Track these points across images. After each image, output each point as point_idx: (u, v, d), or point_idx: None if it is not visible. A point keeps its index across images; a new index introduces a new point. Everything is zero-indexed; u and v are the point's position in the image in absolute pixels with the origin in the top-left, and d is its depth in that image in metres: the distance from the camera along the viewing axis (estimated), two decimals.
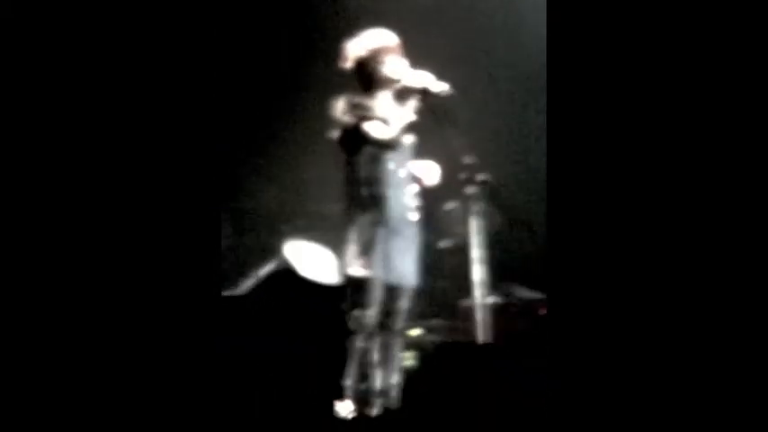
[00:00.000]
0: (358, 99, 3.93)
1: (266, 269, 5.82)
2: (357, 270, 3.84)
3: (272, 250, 5.73)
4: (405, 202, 3.98)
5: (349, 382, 3.85)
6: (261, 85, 6.14)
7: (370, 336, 3.85)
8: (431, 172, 4.10)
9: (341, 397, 3.86)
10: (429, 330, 5.63)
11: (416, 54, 3.98)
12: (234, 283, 5.61)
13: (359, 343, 3.84)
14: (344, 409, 3.85)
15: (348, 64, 3.98)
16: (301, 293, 5.58)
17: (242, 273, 5.69)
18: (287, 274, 5.69)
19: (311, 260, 5.64)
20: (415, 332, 5.42)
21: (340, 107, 3.92)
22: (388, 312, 3.91)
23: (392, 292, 3.91)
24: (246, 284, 5.64)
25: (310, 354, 4.69)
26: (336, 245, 4.32)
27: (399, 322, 3.98)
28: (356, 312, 3.83)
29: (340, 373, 3.87)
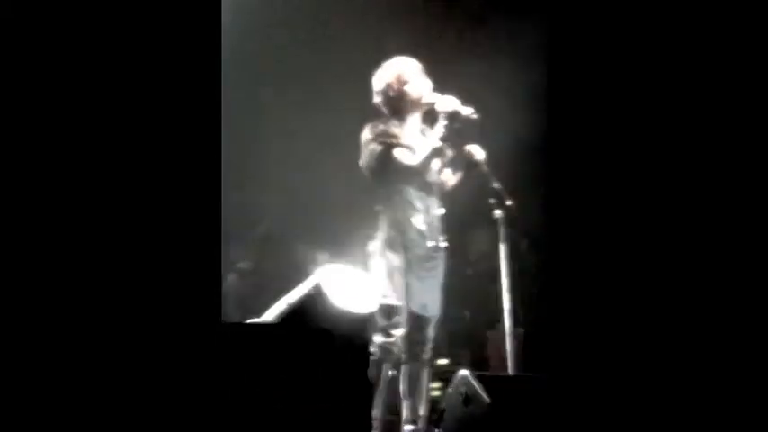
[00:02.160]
0: (384, 126, 3.93)
1: (293, 295, 5.77)
2: (383, 298, 3.79)
3: (299, 276, 5.69)
4: (432, 228, 3.93)
5: (377, 411, 3.78)
6: (288, 106, 6.15)
7: (398, 365, 3.79)
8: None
9: (369, 427, 3.79)
10: (456, 360, 5.54)
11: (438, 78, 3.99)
12: (259, 309, 5.56)
13: (387, 372, 3.78)
14: None
15: (377, 93, 3.98)
16: (329, 321, 5.51)
17: (267, 299, 5.65)
18: (315, 300, 5.63)
19: (344, 287, 5.58)
20: (442, 362, 5.34)
21: (366, 134, 3.91)
22: (416, 342, 3.85)
23: (419, 320, 3.85)
24: (272, 311, 5.59)
25: (337, 383, 4.63)
26: (363, 271, 4.28)
27: (428, 351, 3.92)
28: (382, 340, 3.78)
29: (367, 403, 3.81)
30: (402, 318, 3.78)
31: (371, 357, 3.80)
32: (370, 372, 3.80)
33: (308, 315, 5.42)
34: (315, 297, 5.47)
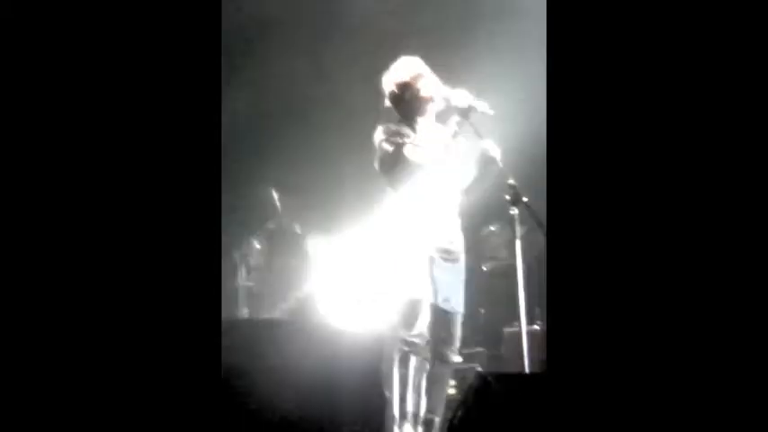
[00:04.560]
0: (396, 126, 3.90)
1: (305, 291, 5.77)
2: (406, 293, 3.74)
3: (312, 272, 5.68)
4: (449, 225, 3.89)
5: (410, 408, 3.73)
6: (300, 102, 6.16)
7: (423, 362, 3.75)
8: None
9: (400, 424, 3.73)
10: (472, 358, 5.48)
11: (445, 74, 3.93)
12: (272, 305, 5.56)
13: (419, 367, 3.73)
14: None
15: (387, 96, 3.95)
16: (342, 316, 5.50)
17: (281, 294, 5.65)
18: (327, 295, 5.61)
19: (356, 283, 5.56)
20: (458, 360, 5.30)
21: (379, 135, 3.87)
22: (442, 341, 3.82)
23: (444, 315, 3.80)
24: (284, 306, 5.59)
25: (350, 380, 4.59)
26: (371, 266, 4.25)
27: (455, 352, 3.90)
28: (408, 333, 3.72)
29: (380, 399, 3.78)
30: (424, 312, 3.73)
31: (399, 353, 3.74)
32: (400, 368, 3.75)
33: (316, 311, 5.40)
34: (322, 293, 5.47)
